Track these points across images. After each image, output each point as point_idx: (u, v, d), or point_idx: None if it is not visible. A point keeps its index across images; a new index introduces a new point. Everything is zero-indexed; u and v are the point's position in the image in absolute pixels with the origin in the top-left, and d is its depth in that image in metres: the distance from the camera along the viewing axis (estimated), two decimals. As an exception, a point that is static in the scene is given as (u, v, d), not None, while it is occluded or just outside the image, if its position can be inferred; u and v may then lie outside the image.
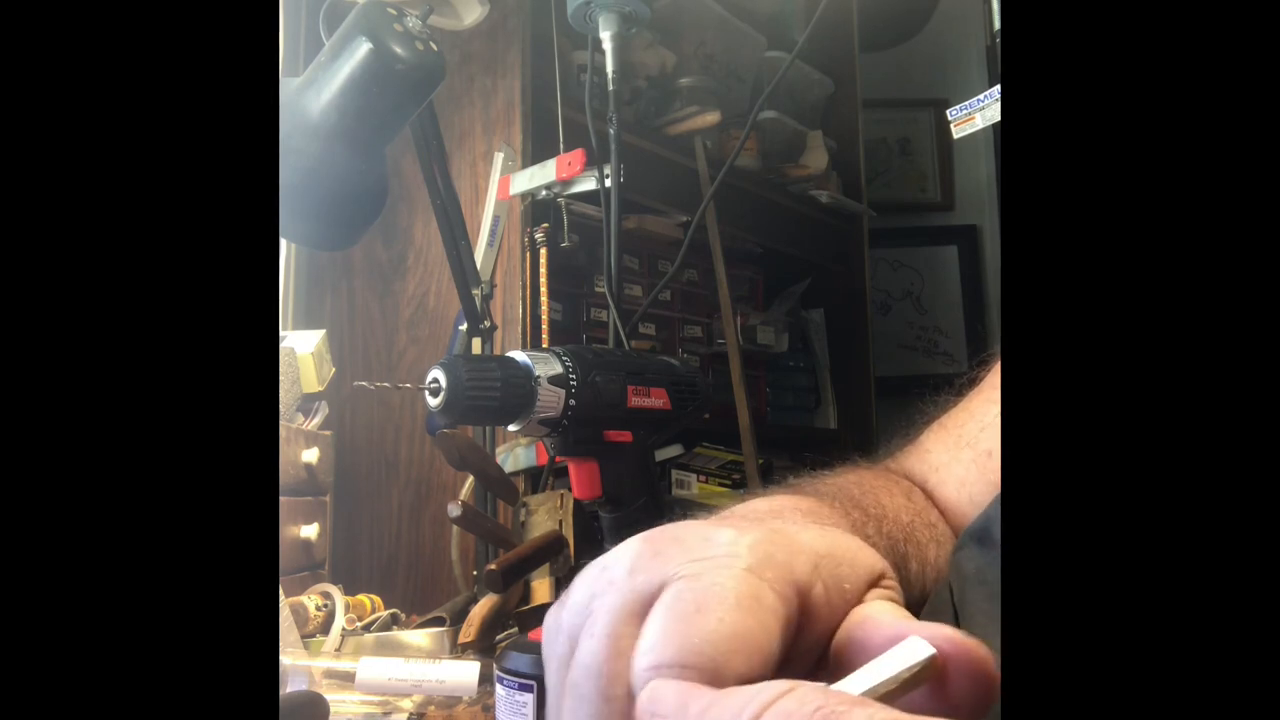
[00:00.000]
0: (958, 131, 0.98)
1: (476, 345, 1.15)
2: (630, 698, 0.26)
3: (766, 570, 0.28)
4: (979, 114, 0.96)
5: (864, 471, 0.57)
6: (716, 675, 0.26)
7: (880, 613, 0.29)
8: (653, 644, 0.27)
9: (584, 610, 0.30)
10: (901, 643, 0.26)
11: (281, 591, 0.92)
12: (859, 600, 0.30)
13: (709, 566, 0.28)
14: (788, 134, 2.06)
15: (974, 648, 0.26)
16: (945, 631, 0.26)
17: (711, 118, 1.73)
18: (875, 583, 0.31)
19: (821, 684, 0.25)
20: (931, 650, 0.26)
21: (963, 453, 0.55)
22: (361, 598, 1.08)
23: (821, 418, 2.20)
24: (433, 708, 0.80)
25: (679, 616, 0.27)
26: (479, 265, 1.20)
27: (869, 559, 0.31)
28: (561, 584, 0.98)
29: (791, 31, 2.06)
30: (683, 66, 1.81)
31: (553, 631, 0.31)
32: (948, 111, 0.99)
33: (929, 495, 0.56)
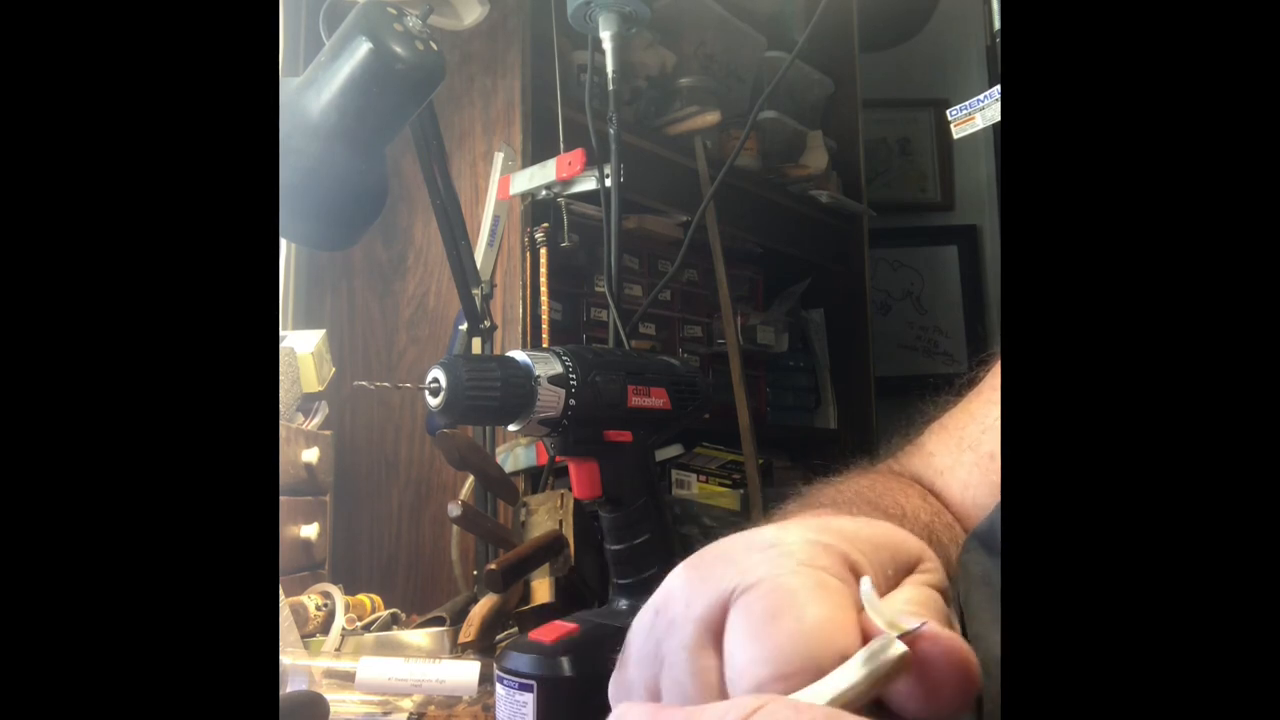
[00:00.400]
0: (958, 131, 0.98)
1: (476, 345, 1.15)
2: None
3: (820, 558, 0.28)
4: (979, 114, 0.96)
5: (874, 475, 0.57)
6: (820, 671, 0.25)
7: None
8: (744, 667, 0.26)
9: (654, 659, 0.29)
10: (872, 641, 0.26)
11: (281, 591, 0.92)
12: (896, 586, 0.30)
13: (765, 571, 0.27)
14: (788, 134, 2.06)
15: (948, 638, 0.26)
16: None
17: (711, 118, 1.73)
18: (913, 568, 0.31)
19: (789, 697, 0.25)
20: (902, 649, 0.26)
21: (965, 455, 0.55)
22: (361, 597, 1.08)
23: (821, 418, 2.20)
24: (433, 708, 0.79)
25: (758, 630, 0.26)
26: (479, 265, 1.20)
27: (908, 544, 0.31)
28: (561, 584, 0.98)
29: (791, 31, 2.06)
30: (683, 66, 1.81)
31: (624, 690, 0.30)
32: (948, 111, 0.99)
33: (936, 498, 0.56)
